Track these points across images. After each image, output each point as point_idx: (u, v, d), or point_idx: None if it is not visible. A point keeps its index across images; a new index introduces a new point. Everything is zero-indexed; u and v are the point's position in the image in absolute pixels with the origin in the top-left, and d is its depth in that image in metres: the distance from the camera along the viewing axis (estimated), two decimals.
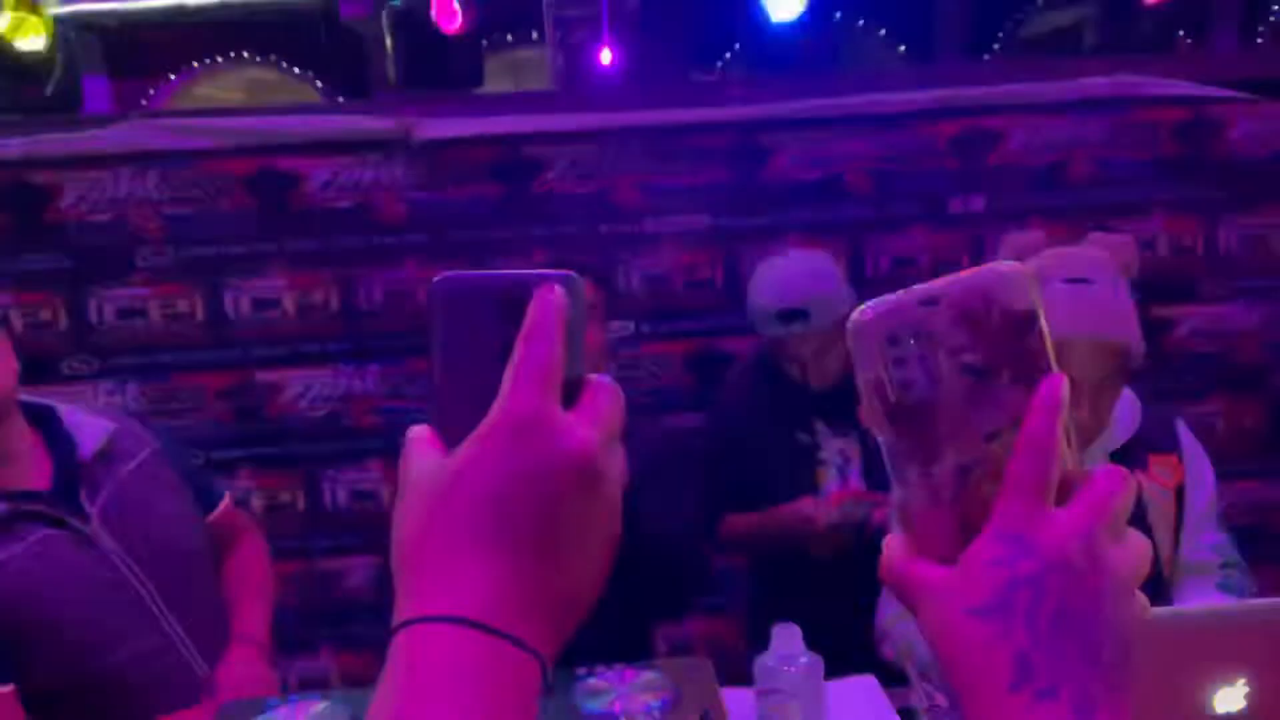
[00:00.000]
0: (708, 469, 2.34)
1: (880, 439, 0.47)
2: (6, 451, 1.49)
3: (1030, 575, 0.43)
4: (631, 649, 1.88)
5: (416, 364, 2.83)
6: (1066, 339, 1.56)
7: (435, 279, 0.47)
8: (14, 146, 2.66)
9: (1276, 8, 6.32)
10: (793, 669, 1.32)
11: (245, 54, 8.91)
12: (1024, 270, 0.46)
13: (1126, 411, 1.70)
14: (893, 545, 0.48)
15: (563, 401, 0.46)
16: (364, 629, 2.76)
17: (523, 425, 0.44)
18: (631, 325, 2.87)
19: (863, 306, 0.46)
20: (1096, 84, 2.81)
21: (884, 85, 2.88)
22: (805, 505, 2.03)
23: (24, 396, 1.54)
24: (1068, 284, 1.60)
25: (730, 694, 1.45)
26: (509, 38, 7.82)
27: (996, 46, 7.59)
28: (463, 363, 0.47)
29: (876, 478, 2.07)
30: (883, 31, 7.91)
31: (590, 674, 1.47)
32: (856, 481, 2.11)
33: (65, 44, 2.76)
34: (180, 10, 8.63)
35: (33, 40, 2.64)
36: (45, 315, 2.72)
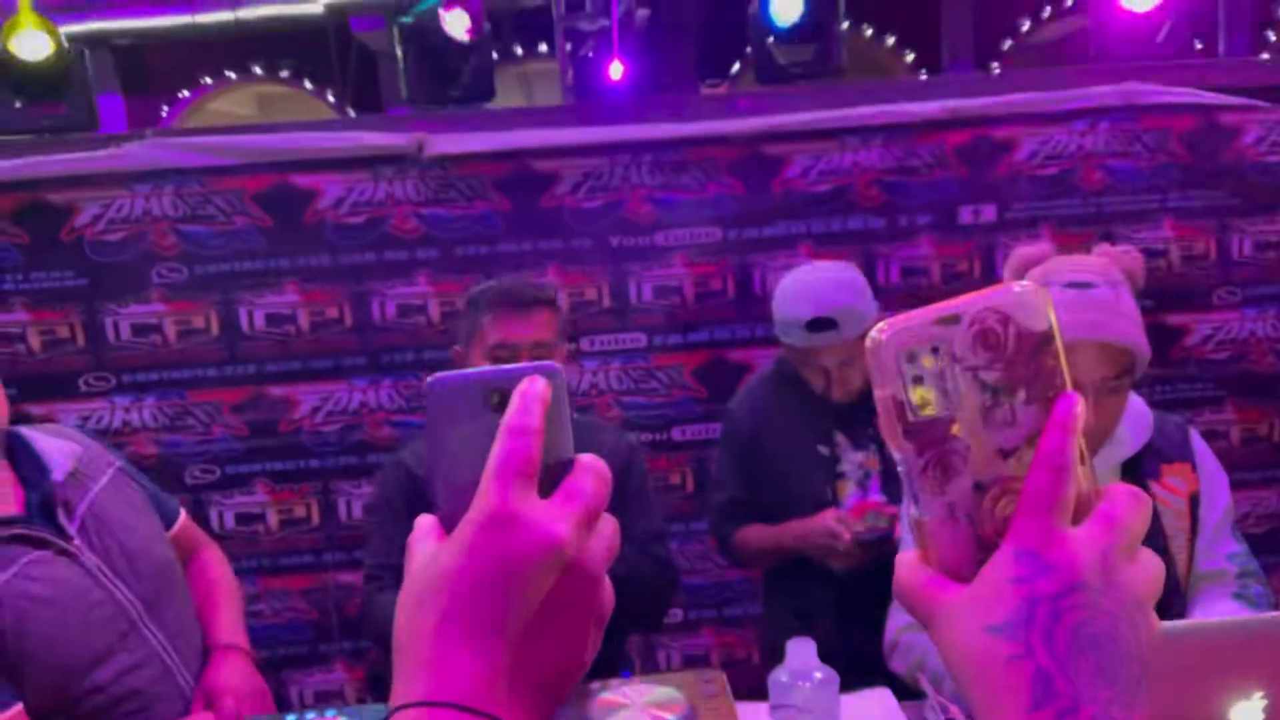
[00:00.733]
0: (722, 479, 2.35)
1: (897, 456, 0.47)
2: None
3: (1049, 593, 0.43)
4: (606, 663, 1.89)
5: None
6: (1068, 342, 1.56)
7: (430, 379, 0.51)
8: (31, 165, 2.69)
9: None
10: (806, 684, 1.32)
11: (257, 69, 8.97)
12: (1041, 290, 0.47)
13: (1138, 421, 1.70)
14: (907, 562, 0.48)
15: (545, 486, 0.49)
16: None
17: (496, 520, 0.48)
18: (643, 337, 2.88)
19: (881, 324, 0.47)
20: (1105, 92, 2.81)
21: (892, 96, 2.88)
22: (828, 519, 2.02)
23: None
24: (1069, 288, 1.60)
25: (745, 708, 1.45)
26: (519, 50, 7.84)
27: (1006, 51, 7.58)
28: (456, 456, 0.50)
29: (896, 491, 2.07)
30: (891, 40, 7.91)
31: (604, 688, 1.48)
32: (876, 495, 2.11)
33: (78, 60, 2.77)
34: (192, 26, 8.69)
35: (39, 48, 2.64)
36: (63, 332, 2.74)
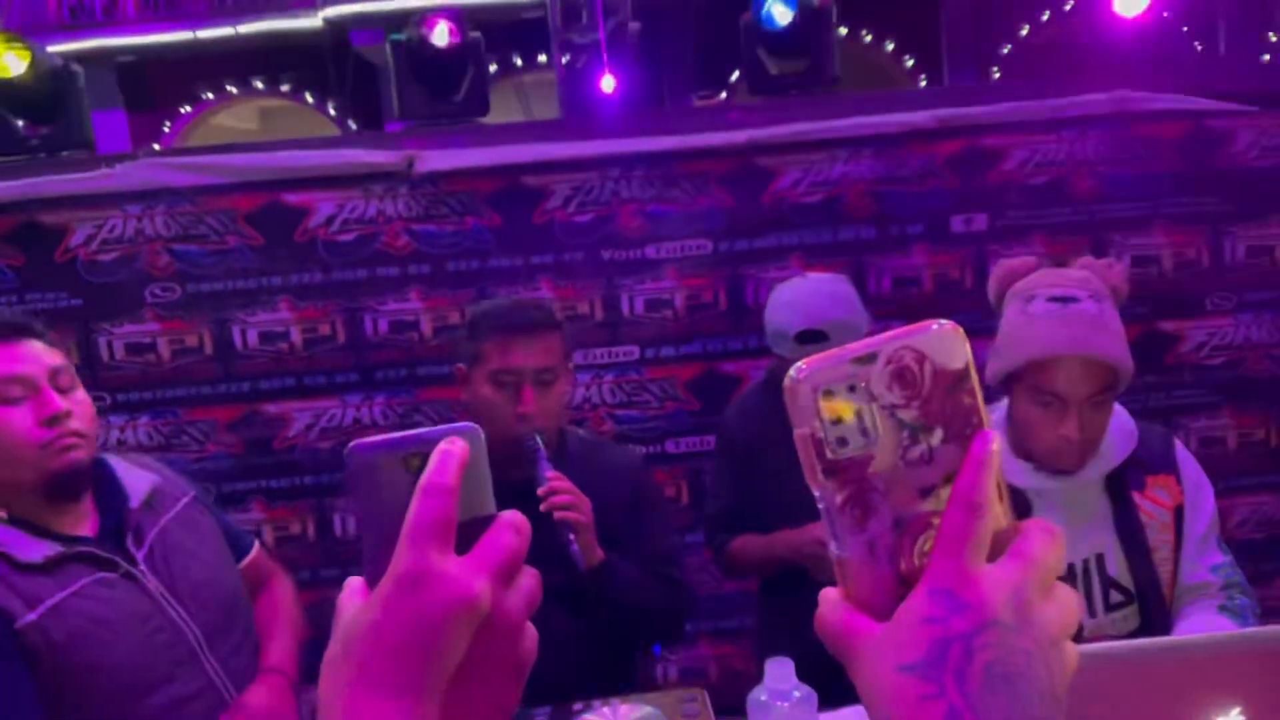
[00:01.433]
0: (717, 490, 2.35)
1: (816, 494, 0.47)
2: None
3: (962, 632, 0.43)
4: (621, 679, 1.89)
5: (423, 393, 2.85)
6: (1053, 357, 1.56)
7: (350, 445, 0.52)
8: (25, 187, 2.71)
9: None
10: (785, 703, 1.32)
11: (258, 84, 9.02)
12: (956, 328, 0.47)
13: (1122, 433, 1.70)
14: (828, 599, 0.48)
15: (464, 543, 0.50)
16: None
17: (409, 579, 0.48)
18: (636, 350, 2.88)
19: (798, 364, 0.47)
20: (1095, 100, 2.81)
21: (883, 106, 2.88)
22: (819, 529, 2.02)
23: None
24: (1053, 302, 1.60)
25: None
26: (519, 62, 7.87)
27: (1005, 54, 7.59)
28: (379, 519, 0.51)
29: None
30: (890, 45, 7.91)
31: (586, 709, 1.48)
32: None
33: (68, 79, 2.79)
34: (193, 42, 8.74)
35: (7, 66, 2.65)
36: (43, 334, 2.76)
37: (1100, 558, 1.69)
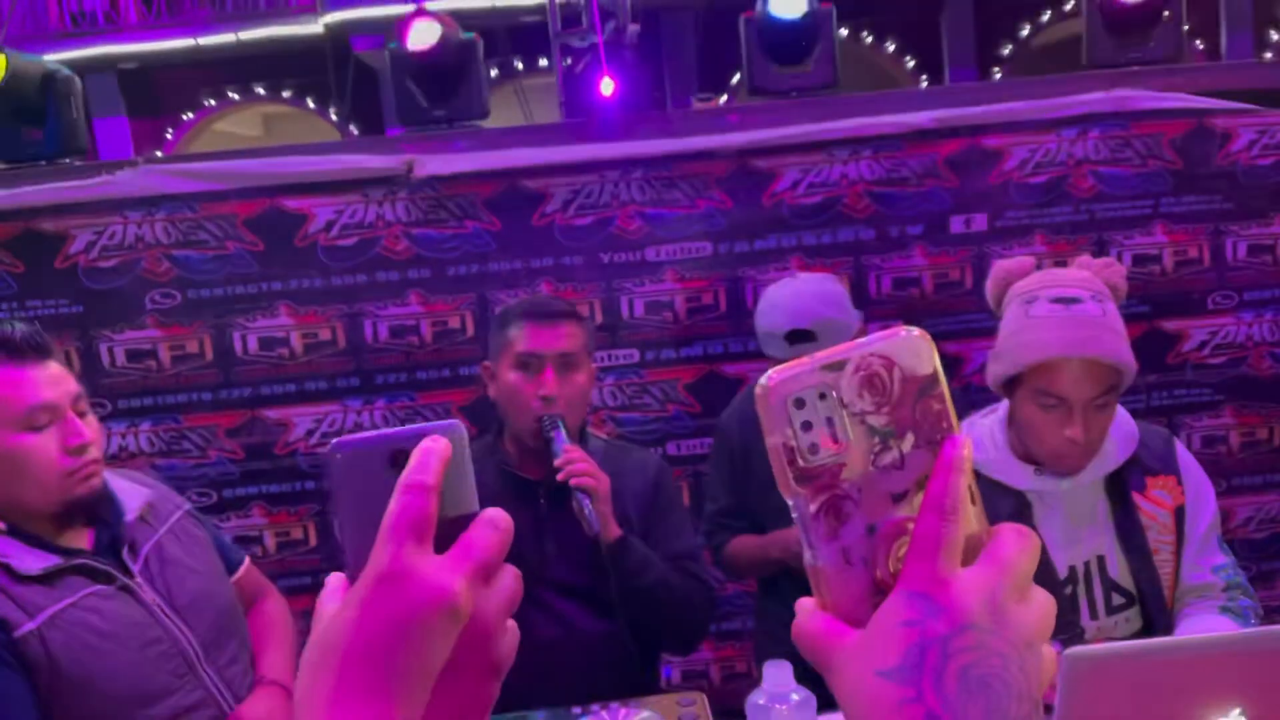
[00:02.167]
0: (714, 491, 2.35)
1: (790, 502, 0.47)
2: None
3: (939, 636, 0.44)
4: (645, 681, 1.89)
5: (424, 398, 2.85)
6: (1057, 360, 1.55)
7: (333, 442, 0.52)
8: (24, 195, 2.71)
9: None
10: (784, 706, 1.32)
11: (260, 90, 9.04)
12: (924, 335, 0.47)
13: (1122, 433, 1.69)
14: (805, 608, 0.48)
15: (444, 542, 0.50)
16: None
17: (387, 577, 0.48)
18: (635, 353, 2.88)
19: (768, 373, 0.47)
20: (1095, 99, 2.80)
21: (881, 107, 2.88)
22: None
23: None
24: (1056, 303, 1.59)
25: None
26: (518, 66, 7.89)
27: (1005, 55, 7.58)
28: (360, 517, 0.51)
29: None
30: (889, 44, 7.91)
31: (585, 713, 1.47)
32: None
33: (60, 86, 2.79)
34: (195, 49, 8.77)
35: None
36: (57, 353, 2.76)
37: (1101, 559, 1.68)
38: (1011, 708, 0.43)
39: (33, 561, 1.46)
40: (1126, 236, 2.86)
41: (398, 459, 0.51)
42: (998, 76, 7.88)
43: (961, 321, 2.81)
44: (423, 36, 2.79)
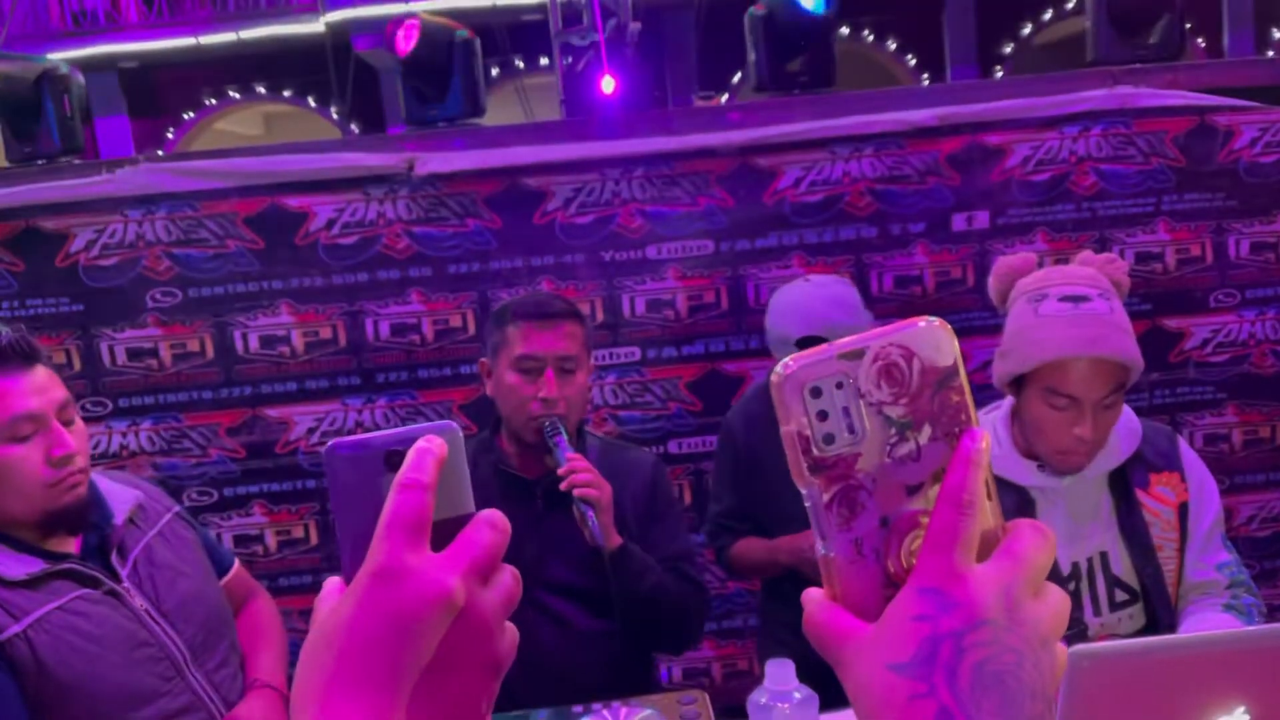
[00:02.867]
0: (719, 491, 2.34)
1: (803, 491, 0.47)
2: None
3: (952, 631, 0.43)
4: (642, 681, 1.89)
5: (425, 396, 2.85)
6: (1067, 359, 1.55)
7: (330, 444, 0.52)
8: (24, 193, 2.71)
9: None
10: (786, 705, 1.31)
11: (261, 89, 9.05)
12: (944, 325, 0.47)
13: (1126, 430, 1.69)
14: (814, 598, 0.48)
15: (440, 542, 0.50)
16: None
17: (384, 574, 0.48)
18: (637, 351, 2.87)
19: (785, 360, 0.46)
20: (1097, 96, 2.80)
21: (883, 105, 2.87)
22: None
23: None
24: (1064, 301, 1.59)
25: None
26: (519, 64, 7.89)
27: (1007, 54, 7.58)
28: (356, 517, 0.51)
29: None
30: (890, 42, 7.90)
31: (586, 712, 1.47)
32: None
33: (55, 86, 2.79)
34: (196, 48, 8.77)
35: None
36: (59, 359, 2.76)
37: (1104, 556, 1.68)
38: (1025, 705, 0.43)
39: (17, 567, 1.45)
40: (1129, 234, 2.85)
41: (393, 460, 0.51)
42: (999, 75, 7.87)
43: (963, 319, 2.80)
44: (404, 41, 2.80)
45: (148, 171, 2.75)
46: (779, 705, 1.32)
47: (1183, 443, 1.76)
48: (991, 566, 0.45)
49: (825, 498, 0.46)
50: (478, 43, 2.98)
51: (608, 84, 3.25)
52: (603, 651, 1.84)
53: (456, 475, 0.52)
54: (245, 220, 2.77)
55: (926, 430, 0.46)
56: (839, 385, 0.46)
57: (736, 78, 7.02)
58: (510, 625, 0.52)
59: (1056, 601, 0.46)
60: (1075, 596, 1.67)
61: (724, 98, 6.28)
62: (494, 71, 7.89)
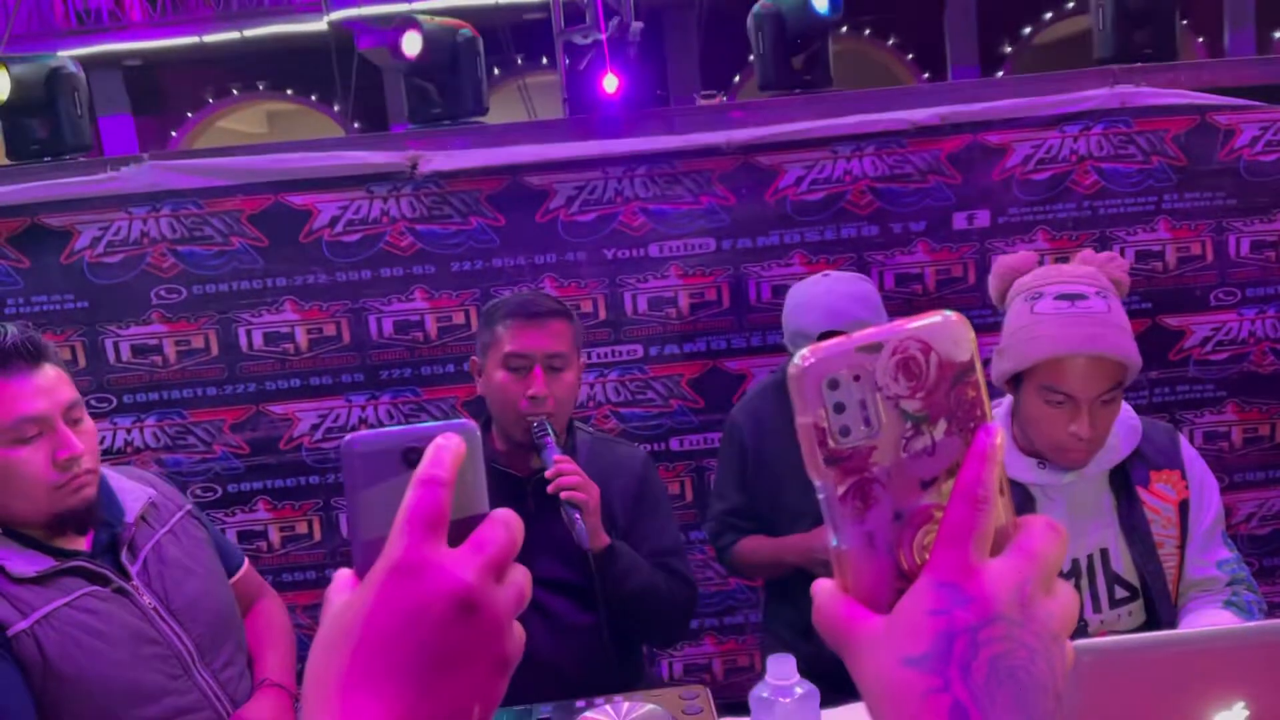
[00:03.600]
0: (722, 489, 2.34)
1: (817, 483, 0.47)
2: None
3: (967, 626, 0.43)
4: (629, 675, 1.90)
5: (428, 393, 2.86)
6: (1063, 357, 1.56)
7: (346, 439, 0.52)
8: (29, 190, 2.72)
9: None
10: (787, 699, 1.32)
11: (264, 87, 9.05)
12: (963, 319, 0.47)
13: (1126, 427, 1.69)
14: (825, 590, 0.48)
15: (454, 537, 0.50)
16: None
17: (402, 568, 0.48)
18: (639, 349, 2.88)
19: (803, 351, 0.46)
20: (1098, 95, 2.80)
21: (885, 104, 2.88)
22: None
23: None
24: (1061, 300, 1.60)
25: None
26: (520, 62, 7.89)
27: (1007, 54, 7.57)
28: (372, 513, 0.51)
29: None
30: (892, 42, 7.90)
31: (588, 706, 1.48)
32: None
33: (65, 83, 2.80)
34: (199, 46, 8.77)
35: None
36: (64, 355, 2.77)
37: (1105, 553, 1.69)
38: (1038, 701, 0.43)
39: (26, 564, 1.46)
40: (1129, 233, 2.86)
41: (410, 456, 0.51)
42: (1000, 75, 7.87)
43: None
44: (410, 45, 2.81)
45: (152, 169, 2.76)
46: (780, 700, 1.33)
47: (1183, 440, 1.76)
48: (1005, 562, 0.45)
49: (839, 490, 0.46)
50: (480, 41, 2.99)
51: (610, 83, 3.26)
52: (591, 645, 1.85)
53: (473, 474, 0.52)
54: (249, 218, 2.78)
55: (942, 425, 0.46)
56: (856, 378, 0.46)
57: (738, 77, 7.02)
58: (518, 624, 0.52)
59: (1067, 598, 0.46)
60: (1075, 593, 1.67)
61: (723, 98, 6.29)
62: (496, 70, 7.91)
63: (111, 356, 2.79)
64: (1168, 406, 2.89)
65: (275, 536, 2.88)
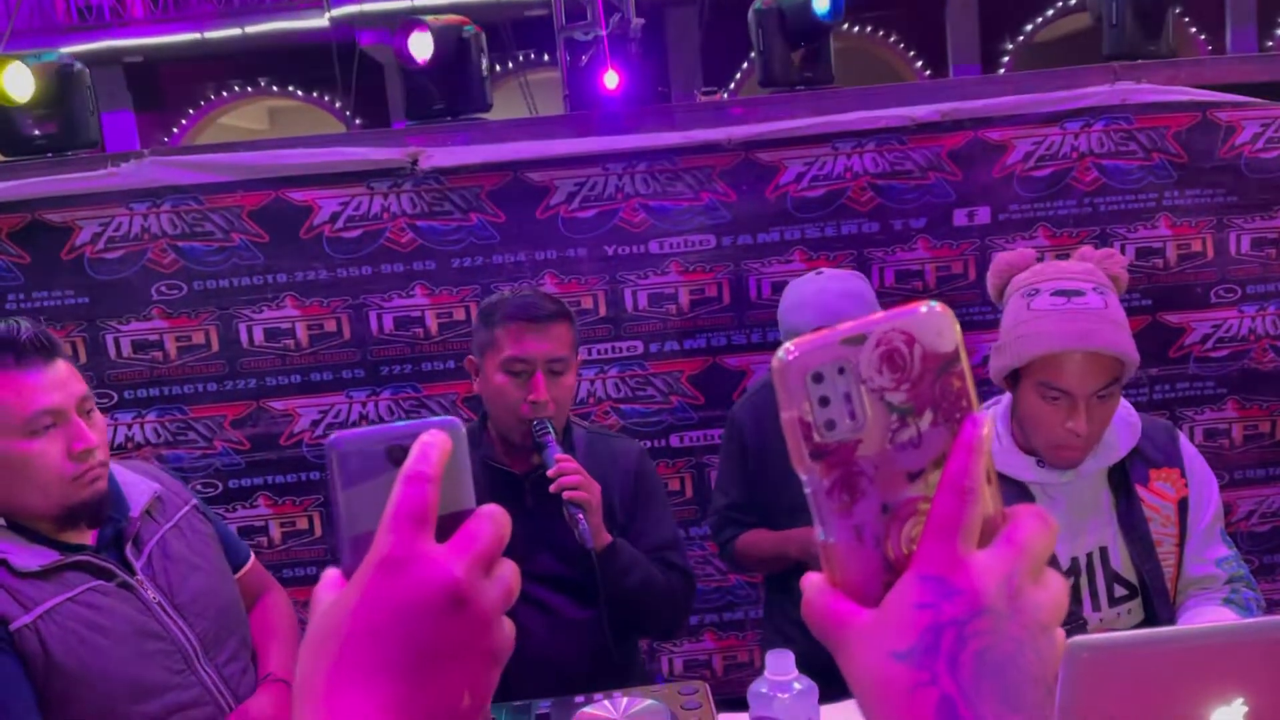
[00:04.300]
0: (724, 484, 2.35)
1: (803, 477, 0.47)
2: None
3: (954, 618, 0.43)
4: (627, 670, 1.90)
5: (429, 389, 2.86)
6: (1060, 353, 1.56)
7: (331, 437, 0.52)
8: (30, 186, 2.72)
9: None
10: (786, 695, 1.32)
11: (263, 83, 9.05)
12: (946, 310, 0.46)
13: (1125, 425, 1.69)
14: (813, 584, 0.48)
15: (441, 533, 0.50)
16: None
17: (390, 563, 0.48)
18: (640, 345, 2.88)
19: (787, 345, 0.46)
20: (1099, 92, 2.80)
21: (885, 100, 2.88)
22: None
23: None
24: (1058, 296, 1.59)
25: (727, 719, 1.45)
26: (521, 58, 7.89)
27: (1009, 51, 7.56)
28: (358, 511, 0.51)
29: None
30: (893, 39, 7.90)
31: (588, 702, 1.48)
32: None
33: (74, 79, 2.80)
34: (201, 43, 8.77)
35: (22, 87, 2.69)
36: (65, 350, 2.77)
37: (1104, 551, 1.69)
38: (1026, 692, 0.43)
39: (31, 558, 1.46)
40: (1130, 230, 2.86)
41: (395, 454, 0.51)
42: (1001, 72, 7.86)
43: (964, 314, 2.80)
44: (420, 49, 2.81)
45: (153, 165, 2.76)
46: (779, 695, 1.33)
47: (1183, 438, 1.76)
48: (993, 554, 0.45)
49: (826, 484, 0.46)
50: (484, 38, 2.98)
51: (611, 79, 3.25)
52: (589, 640, 1.85)
53: (459, 471, 0.52)
54: (250, 214, 2.78)
55: (928, 416, 0.46)
56: (841, 371, 0.46)
57: (739, 73, 7.02)
58: (507, 618, 0.52)
59: (1057, 588, 0.46)
60: (1074, 592, 1.67)
61: (724, 95, 6.29)
62: (498, 67, 7.90)
63: (112, 352, 2.80)
64: (1168, 404, 2.89)
65: (276, 532, 2.89)
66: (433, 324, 2.85)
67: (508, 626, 0.52)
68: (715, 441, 2.83)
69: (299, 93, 9.04)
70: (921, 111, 2.80)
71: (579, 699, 1.51)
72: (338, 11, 8.19)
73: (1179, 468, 1.72)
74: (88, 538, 1.54)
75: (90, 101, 2.87)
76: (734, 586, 2.96)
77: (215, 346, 2.81)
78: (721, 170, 2.83)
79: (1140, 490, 1.69)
